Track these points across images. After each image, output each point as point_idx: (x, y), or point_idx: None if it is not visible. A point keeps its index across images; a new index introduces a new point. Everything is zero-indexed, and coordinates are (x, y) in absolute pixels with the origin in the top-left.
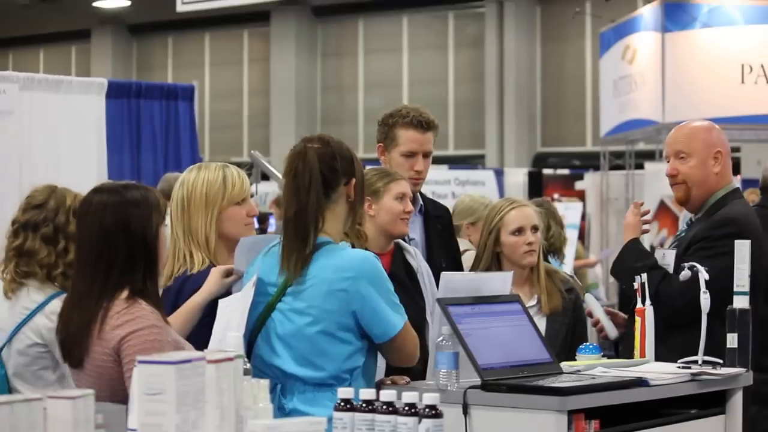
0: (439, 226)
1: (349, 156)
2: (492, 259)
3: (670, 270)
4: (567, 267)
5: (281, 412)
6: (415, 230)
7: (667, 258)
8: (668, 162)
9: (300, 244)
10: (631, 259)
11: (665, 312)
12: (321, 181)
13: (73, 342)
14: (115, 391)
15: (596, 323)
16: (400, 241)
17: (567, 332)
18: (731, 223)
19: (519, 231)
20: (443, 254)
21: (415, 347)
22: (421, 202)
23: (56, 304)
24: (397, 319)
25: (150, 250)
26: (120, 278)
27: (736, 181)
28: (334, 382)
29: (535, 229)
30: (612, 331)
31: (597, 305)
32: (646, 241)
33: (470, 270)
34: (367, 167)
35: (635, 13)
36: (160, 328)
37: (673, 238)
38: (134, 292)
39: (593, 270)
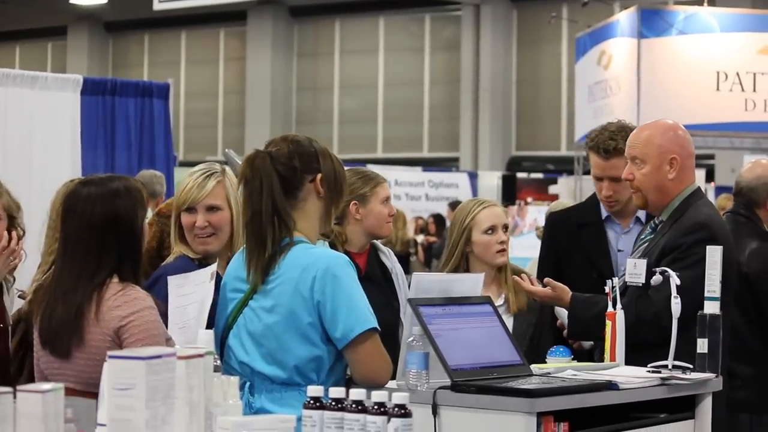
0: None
1: (312, 152)
2: (461, 258)
3: (642, 279)
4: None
5: (249, 410)
6: (628, 244)
7: (638, 267)
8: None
9: (258, 248)
10: (584, 311)
11: (659, 334)
12: (280, 183)
13: (59, 332)
14: None
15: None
16: (375, 241)
17: (534, 332)
18: (701, 228)
19: (491, 230)
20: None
21: (382, 364)
22: (636, 215)
23: None
24: (358, 323)
25: (137, 240)
26: (110, 268)
27: (710, 188)
28: (301, 381)
29: (505, 227)
30: (586, 342)
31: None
32: None
33: (439, 270)
34: (346, 168)
35: (612, 18)
36: (155, 310)
37: (638, 242)
38: (122, 280)
39: None
